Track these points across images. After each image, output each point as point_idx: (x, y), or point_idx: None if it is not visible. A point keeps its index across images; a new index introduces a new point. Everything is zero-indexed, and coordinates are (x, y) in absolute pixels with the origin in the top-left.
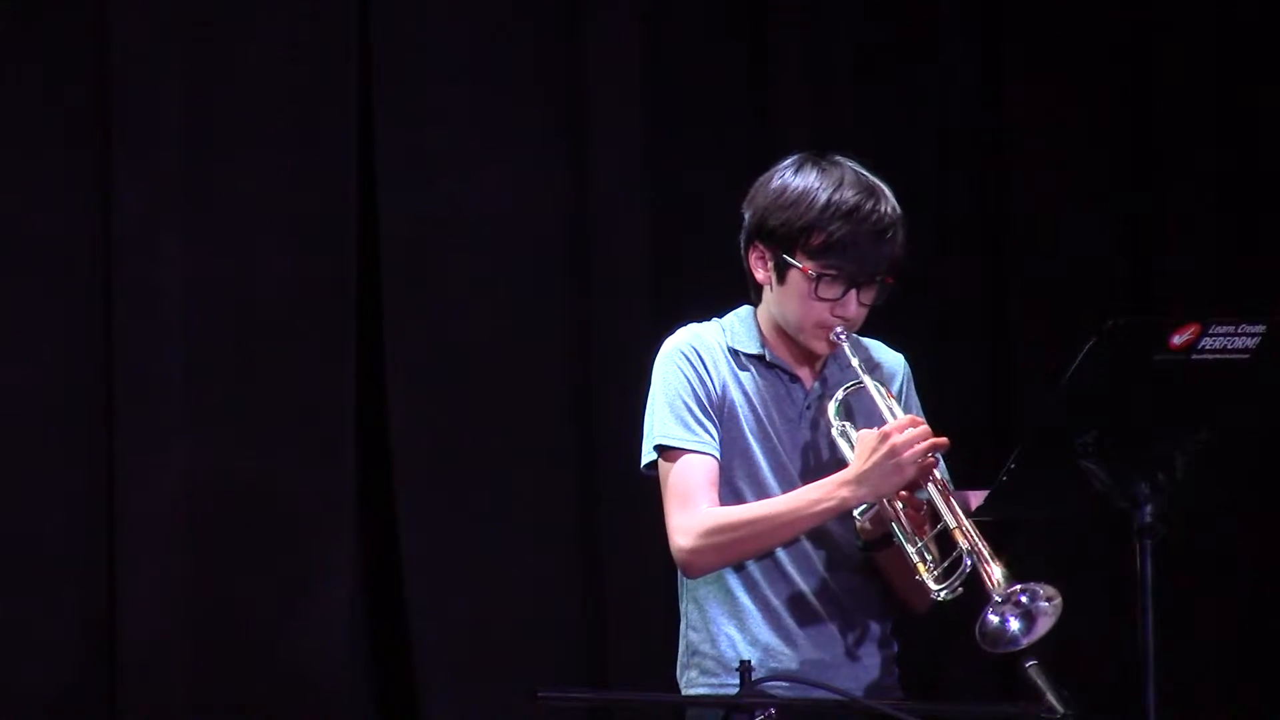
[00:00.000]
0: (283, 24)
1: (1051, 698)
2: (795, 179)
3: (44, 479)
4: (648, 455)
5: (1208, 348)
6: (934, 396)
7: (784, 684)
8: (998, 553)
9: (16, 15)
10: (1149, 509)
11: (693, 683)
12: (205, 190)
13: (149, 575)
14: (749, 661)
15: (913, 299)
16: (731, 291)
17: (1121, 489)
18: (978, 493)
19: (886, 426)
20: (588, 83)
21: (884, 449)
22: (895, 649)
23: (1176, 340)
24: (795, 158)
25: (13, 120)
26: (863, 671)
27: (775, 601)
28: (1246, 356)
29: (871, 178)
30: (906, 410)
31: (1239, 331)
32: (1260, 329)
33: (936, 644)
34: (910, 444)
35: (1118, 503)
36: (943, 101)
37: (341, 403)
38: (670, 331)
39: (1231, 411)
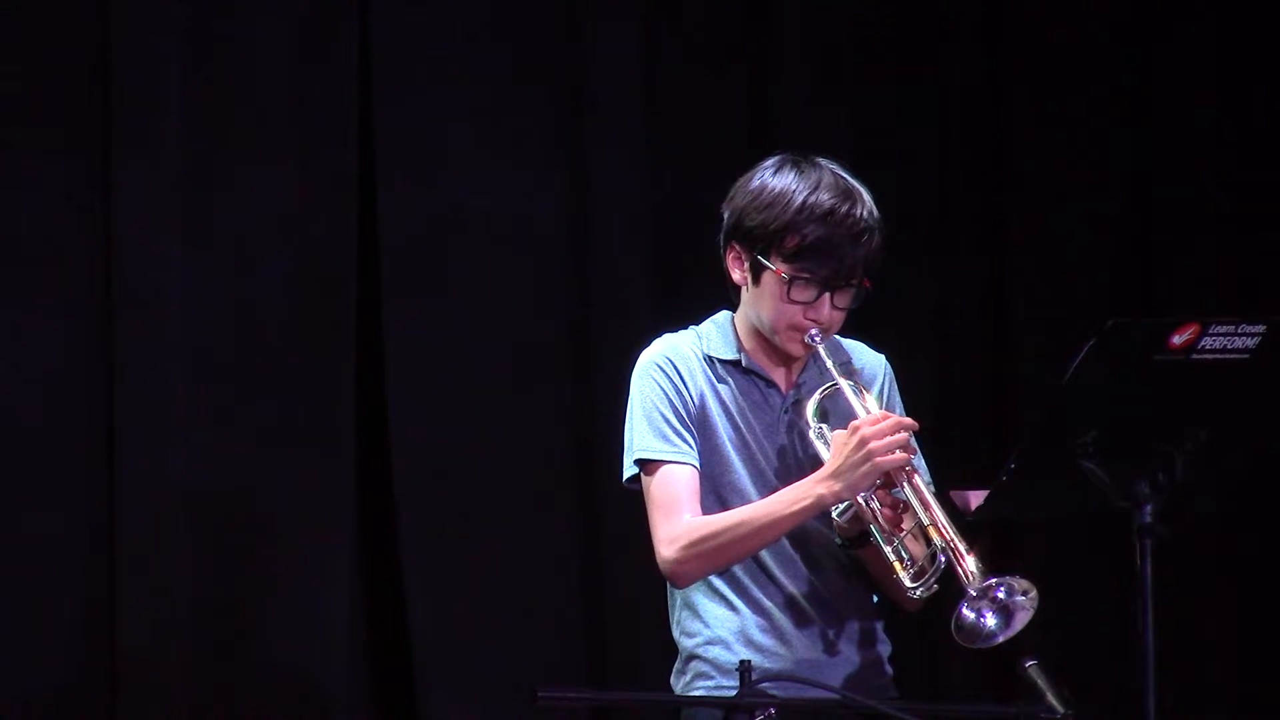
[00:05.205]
0: (283, 24)
1: (1051, 698)
2: (773, 180)
3: (44, 480)
4: (629, 469)
5: (1207, 348)
6: (934, 397)
7: (782, 684)
8: (973, 548)
9: (16, 16)
10: (1149, 509)
11: (689, 687)
12: (205, 191)
13: (149, 575)
14: (749, 661)
15: (913, 299)
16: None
17: (1121, 489)
18: (978, 493)
19: (857, 420)
20: (588, 83)
21: (854, 441)
22: (888, 649)
23: (1176, 340)
24: (776, 158)
25: (13, 121)
26: (855, 670)
27: (768, 604)
28: (1246, 357)
29: (851, 181)
30: (888, 410)
31: (1239, 331)
32: (1260, 329)
33: (935, 644)
34: (880, 435)
35: (1118, 503)
36: (943, 101)
37: (341, 403)
38: (661, 334)
39: (1231, 411)
